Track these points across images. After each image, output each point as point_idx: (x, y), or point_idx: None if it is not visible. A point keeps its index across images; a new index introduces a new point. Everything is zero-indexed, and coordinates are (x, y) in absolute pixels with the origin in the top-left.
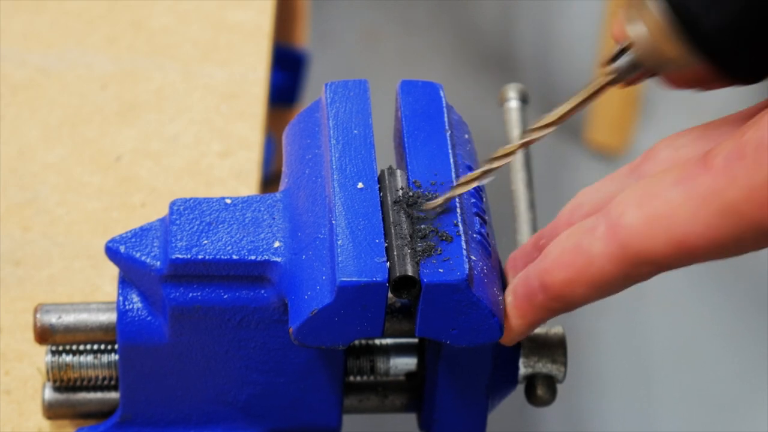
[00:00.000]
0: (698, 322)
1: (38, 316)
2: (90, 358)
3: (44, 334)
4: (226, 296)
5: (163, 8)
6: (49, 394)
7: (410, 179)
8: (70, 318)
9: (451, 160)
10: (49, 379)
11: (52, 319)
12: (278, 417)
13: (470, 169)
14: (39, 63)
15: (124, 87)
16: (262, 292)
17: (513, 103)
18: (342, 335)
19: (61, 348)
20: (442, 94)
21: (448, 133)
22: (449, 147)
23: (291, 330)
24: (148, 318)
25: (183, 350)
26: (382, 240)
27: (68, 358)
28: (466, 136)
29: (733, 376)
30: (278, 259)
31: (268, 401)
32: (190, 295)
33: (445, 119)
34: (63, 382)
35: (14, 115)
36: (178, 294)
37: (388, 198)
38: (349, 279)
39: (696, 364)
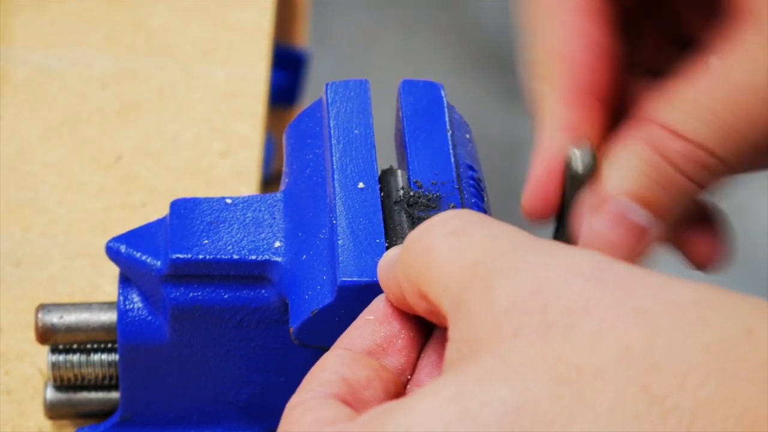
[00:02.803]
0: None
1: (40, 315)
2: (92, 357)
3: (46, 334)
4: (226, 296)
5: (164, 8)
6: (50, 393)
7: (411, 179)
8: (71, 318)
9: (452, 160)
10: (50, 379)
11: (54, 318)
12: (278, 417)
13: (471, 169)
14: (39, 62)
15: (124, 86)
16: (263, 291)
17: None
18: None
19: (62, 347)
20: (443, 93)
21: (449, 133)
22: (450, 147)
23: (291, 330)
24: (149, 318)
25: (183, 350)
26: (383, 240)
27: (70, 358)
28: (467, 135)
29: None
30: (279, 259)
31: (269, 401)
32: (191, 294)
33: (446, 119)
34: (64, 381)
35: (14, 114)
36: (178, 294)
37: (389, 198)
38: (349, 279)
39: None
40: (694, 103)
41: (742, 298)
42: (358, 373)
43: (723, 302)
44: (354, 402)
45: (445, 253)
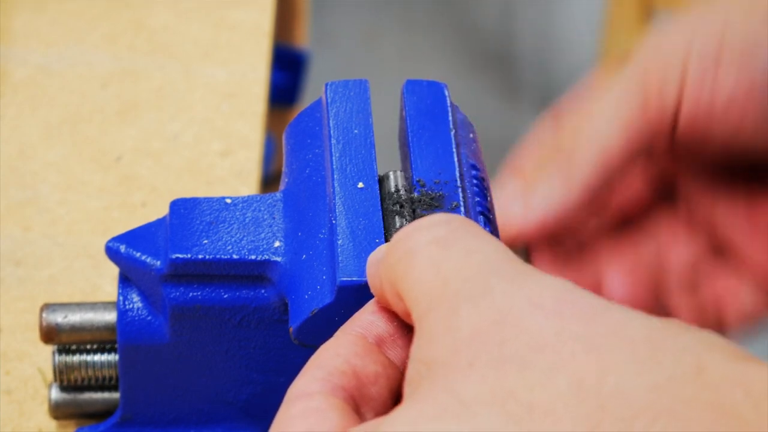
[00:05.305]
0: None
1: (44, 315)
2: (97, 357)
3: (50, 334)
4: (226, 296)
5: (164, 7)
6: (55, 394)
7: (414, 178)
8: (75, 317)
9: (455, 160)
10: (56, 380)
11: (58, 318)
12: None
13: (475, 168)
14: (39, 62)
15: (124, 86)
16: (263, 291)
17: None
18: None
19: (68, 348)
20: (446, 93)
21: (453, 133)
22: (453, 146)
23: (291, 329)
24: (149, 318)
25: (183, 350)
26: (383, 240)
27: (76, 359)
28: (471, 135)
29: None
30: (278, 259)
31: (269, 401)
32: (191, 294)
33: (450, 118)
34: (71, 382)
35: (15, 113)
36: (178, 293)
37: (389, 197)
38: (349, 278)
39: None
40: None
41: (696, 334)
42: (368, 367)
43: (676, 338)
44: (360, 398)
45: (423, 264)
